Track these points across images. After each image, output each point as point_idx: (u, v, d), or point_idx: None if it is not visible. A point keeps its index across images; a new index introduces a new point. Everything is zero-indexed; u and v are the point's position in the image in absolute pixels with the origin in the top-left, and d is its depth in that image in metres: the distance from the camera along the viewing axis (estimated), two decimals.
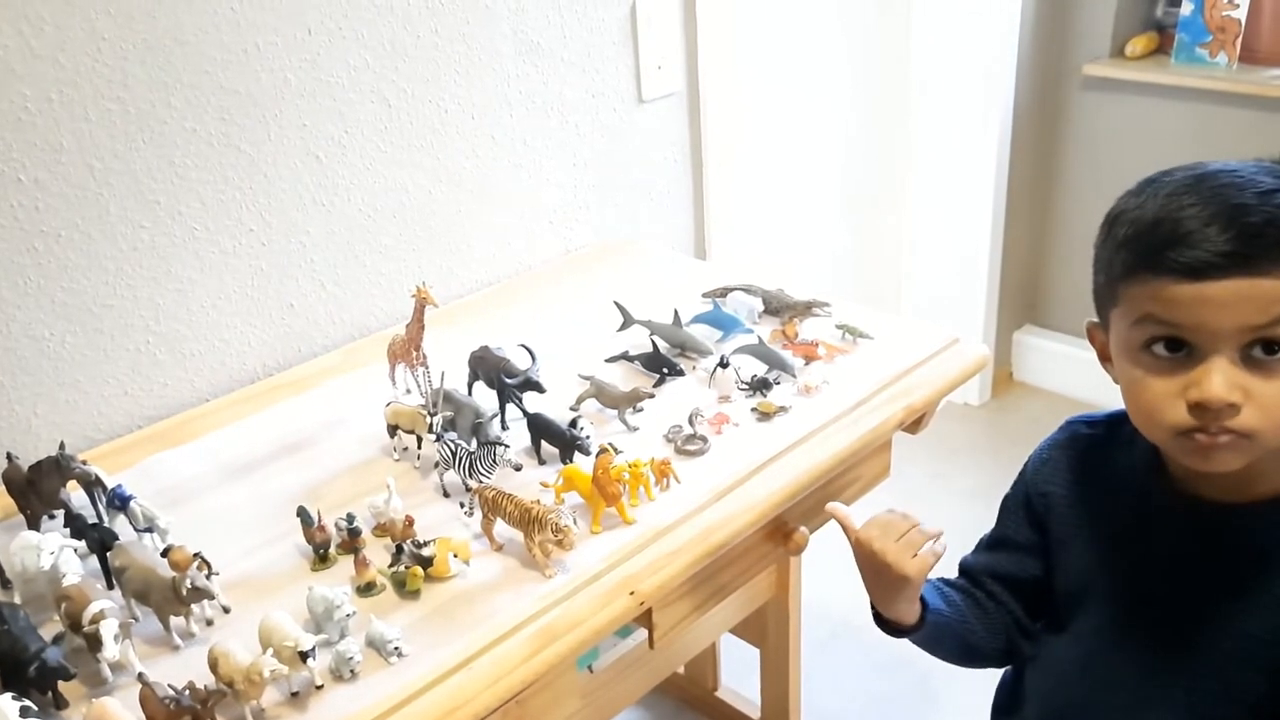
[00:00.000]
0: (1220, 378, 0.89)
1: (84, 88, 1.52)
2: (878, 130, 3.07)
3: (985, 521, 1.34)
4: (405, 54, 1.84)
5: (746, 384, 1.66)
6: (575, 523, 1.31)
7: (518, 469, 1.50)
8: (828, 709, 2.36)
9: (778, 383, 1.66)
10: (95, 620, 1.17)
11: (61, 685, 1.15)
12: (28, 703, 1.07)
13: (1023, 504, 1.25)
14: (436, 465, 1.50)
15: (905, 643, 1.29)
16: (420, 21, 1.85)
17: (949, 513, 2.89)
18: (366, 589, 1.31)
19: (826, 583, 2.35)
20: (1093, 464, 1.17)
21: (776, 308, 1.85)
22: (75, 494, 1.42)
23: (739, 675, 2.37)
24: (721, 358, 1.65)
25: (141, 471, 1.57)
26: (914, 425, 1.73)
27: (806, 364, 1.71)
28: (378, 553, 1.37)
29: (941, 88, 3.06)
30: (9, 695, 1.07)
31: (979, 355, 1.77)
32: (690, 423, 1.56)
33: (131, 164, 1.59)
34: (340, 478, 1.55)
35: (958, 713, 2.32)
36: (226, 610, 1.29)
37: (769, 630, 2.13)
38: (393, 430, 1.57)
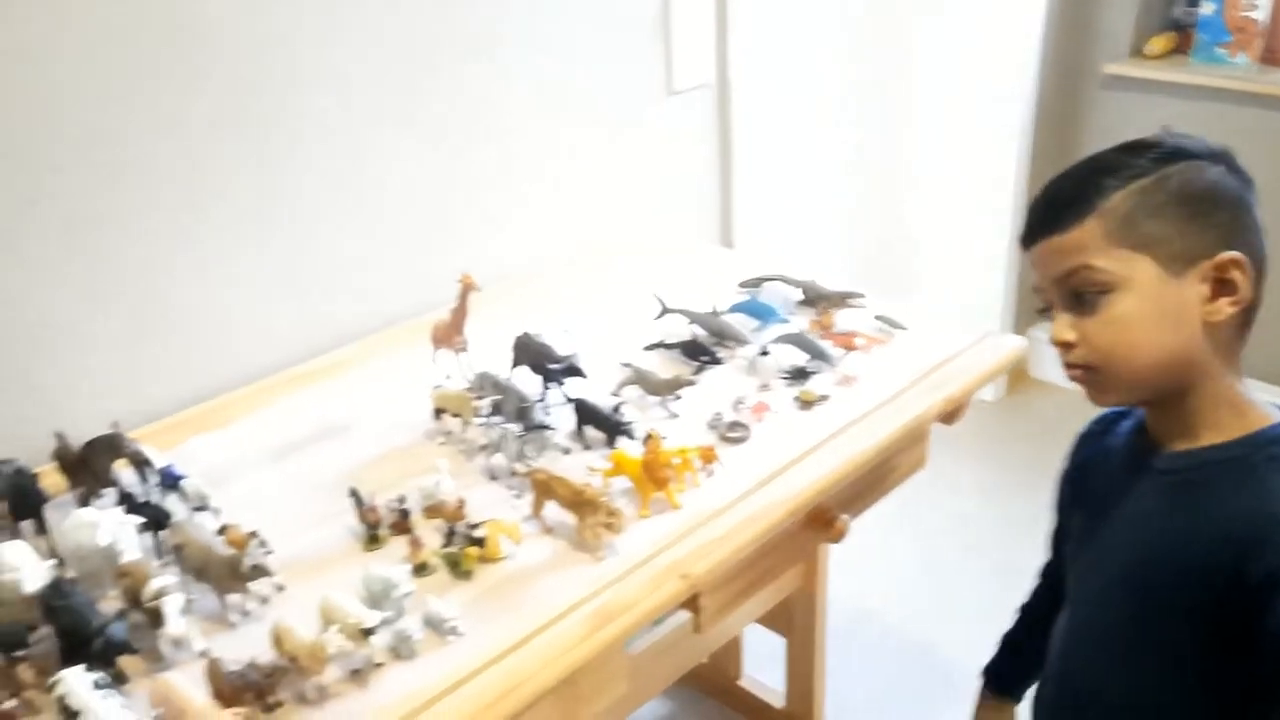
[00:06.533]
0: (1057, 322, 1.05)
1: (115, 75, 1.52)
2: (898, 124, 3.08)
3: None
4: (437, 41, 1.85)
5: (786, 373, 1.67)
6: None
7: (566, 453, 1.51)
8: (850, 699, 2.37)
9: (816, 372, 1.68)
10: (157, 596, 1.17)
11: (121, 661, 1.16)
12: (100, 675, 1.07)
13: (1055, 495, 1.31)
14: (483, 448, 1.51)
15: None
16: (453, 11, 1.85)
17: (960, 507, 2.93)
18: (420, 570, 1.32)
19: (848, 573, 2.37)
20: (1097, 442, 1.22)
21: (812, 298, 1.86)
22: (123, 473, 1.43)
23: (760, 665, 2.38)
24: (763, 346, 1.66)
25: (181, 454, 1.57)
26: (949, 416, 1.74)
27: (844, 354, 1.72)
28: (428, 534, 1.38)
29: (963, 84, 3.07)
30: (81, 667, 1.08)
31: (1014, 347, 1.79)
32: (733, 410, 1.57)
33: (157, 151, 1.59)
34: (381, 461, 1.55)
35: None
36: (281, 589, 1.30)
37: (795, 620, 2.14)
38: (438, 413, 1.58)
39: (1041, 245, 1.05)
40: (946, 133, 3.15)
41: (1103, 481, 1.17)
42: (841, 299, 1.82)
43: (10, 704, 1.10)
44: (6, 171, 1.46)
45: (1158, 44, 3.06)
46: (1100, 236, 1.01)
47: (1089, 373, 1.06)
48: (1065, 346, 1.06)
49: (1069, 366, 1.07)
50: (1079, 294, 1.03)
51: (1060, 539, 1.29)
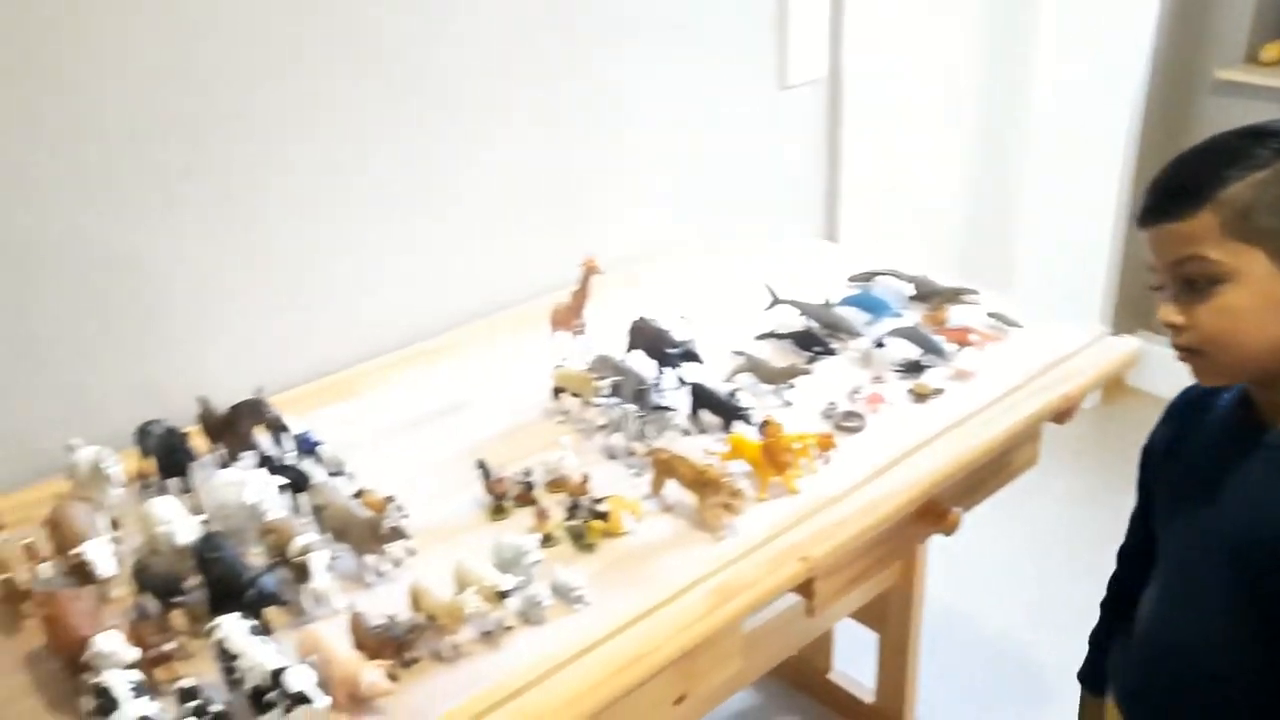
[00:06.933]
0: (1165, 306, 1.07)
1: (276, 56, 1.59)
2: (1003, 125, 3.06)
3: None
4: (567, 31, 1.90)
5: (899, 366, 1.68)
6: None
7: (685, 434, 1.54)
8: (941, 698, 2.37)
9: (930, 366, 1.68)
10: (303, 552, 1.23)
11: (266, 613, 1.22)
12: (255, 622, 1.13)
13: (1140, 468, 1.32)
14: (602, 428, 1.54)
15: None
16: (580, 6, 1.90)
17: (1049, 514, 2.90)
18: (545, 541, 1.36)
19: (941, 572, 2.36)
20: (1193, 414, 1.22)
21: (924, 294, 1.87)
22: (262, 437, 1.49)
23: (849, 659, 2.39)
24: (879, 338, 1.67)
25: (312, 421, 1.64)
26: (1061, 415, 1.74)
27: (958, 349, 1.73)
28: (551, 508, 1.42)
29: (1071, 85, 3.04)
30: (235, 615, 1.13)
31: (1129, 350, 1.78)
32: (849, 400, 1.59)
33: (313, 130, 1.67)
34: (502, 437, 1.60)
35: (1072, 710, 2.32)
36: (412, 553, 1.35)
37: (890, 615, 2.15)
38: (557, 392, 1.62)
39: (1156, 230, 1.06)
40: (1054, 132, 3.11)
41: (1201, 454, 1.17)
42: (955, 295, 1.83)
43: (169, 645, 1.16)
44: (169, 140, 1.53)
45: (1273, 50, 2.99)
46: (1215, 228, 1.01)
47: (1195, 355, 1.07)
48: (1174, 328, 1.07)
49: (1176, 347, 1.09)
50: (1190, 280, 1.04)
51: (1145, 516, 1.29)
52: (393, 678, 1.12)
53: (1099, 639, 1.41)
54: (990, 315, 1.80)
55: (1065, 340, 1.76)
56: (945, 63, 2.78)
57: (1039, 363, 1.71)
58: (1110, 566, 1.37)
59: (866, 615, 2.16)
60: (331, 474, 1.44)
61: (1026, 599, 2.66)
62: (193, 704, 1.04)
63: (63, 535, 1.28)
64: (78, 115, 1.45)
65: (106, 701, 1.04)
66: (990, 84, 2.94)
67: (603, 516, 1.36)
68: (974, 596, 2.66)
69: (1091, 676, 1.42)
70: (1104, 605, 1.41)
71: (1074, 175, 3.12)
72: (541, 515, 1.38)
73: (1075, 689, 1.43)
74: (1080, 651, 1.43)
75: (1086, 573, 2.67)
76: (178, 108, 1.53)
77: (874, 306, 1.82)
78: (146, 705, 1.04)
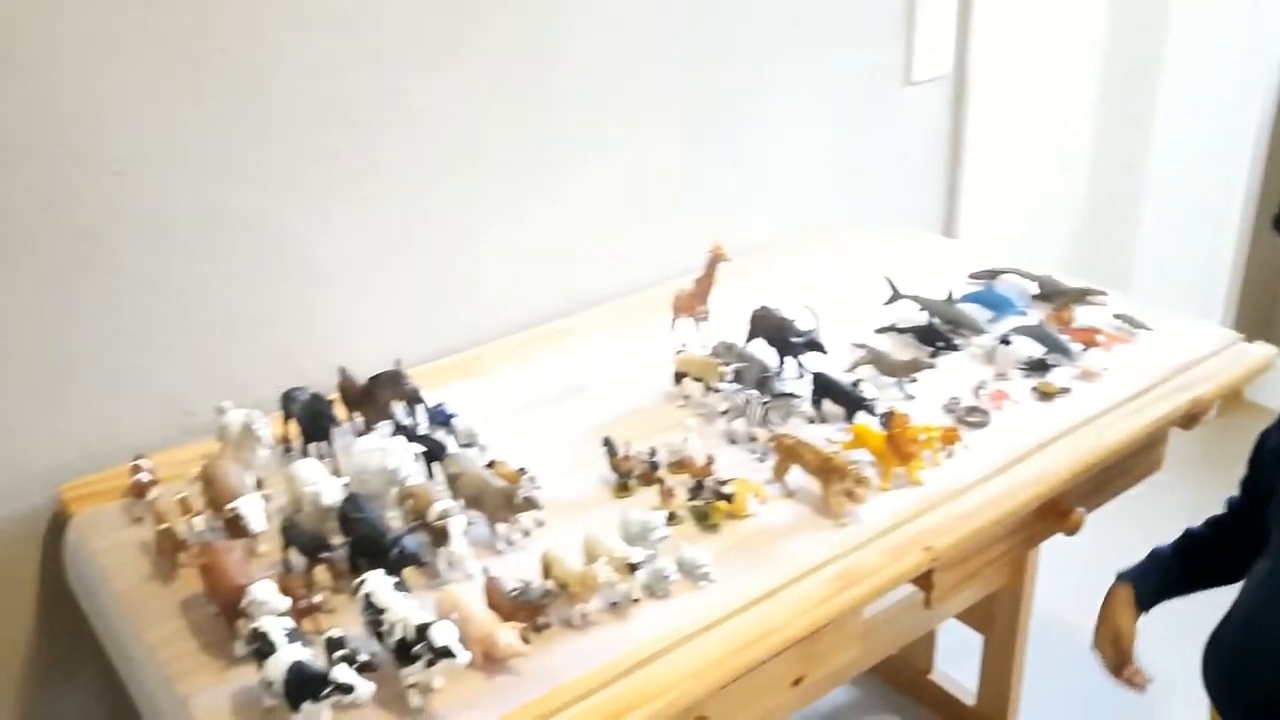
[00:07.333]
0: None
1: (424, 41, 1.65)
2: (1126, 126, 2.99)
3: None
4: (700, 21, 1.92)
5: (1024, 364, 1.67)
6: None
7: (810, 421, 1.55)
8: (1042, 706, 2.33)
9: (1056, 365, 1.67)
10: (442, 517, 1.28)
11: (405, 573, 1.27)
12: (396, 580, 1.18)
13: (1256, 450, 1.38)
14: (724, 413, 1.57)
15: None
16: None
17: (1162, 528, 2.81)
18: (669, 519, 1.38)
19: (1049, 579, 2.32)
20: None
21: (1048, 293, 1.85)
22: (398, 408, 1.55)
23: (950, 660, 2.37)
24: (1004, 335, 1.67)
25: (443, 396, 1.69)
26: (1189, 420, 1.71)
27: (1084, 349, 1.71)
28: (675, 487, 1.45)
29: (1197, 84, 2.95)
30: (380, 571, 1.19)
31: (1263, 356, 1.74)
32: (973, 396, 1.59)
33: (454, 114, 1.72)
34: (624, 418, 1.63)
35: None
36: (540, 524, 1.39)
37: (997, 617, 2.13)
38: (679, 377, 1.65)
39: None
40: (1179, 133, 3.03)
41: None
42: (1081, 295, 1.81)
43: (317, 598, 1.22)
44: (310, 122, 1.60)
45: None
46: None
47: None
48: None
49: None
50: None
51: (1255, 494, 1.27)
52: (525, 640, 1.16)
53: (1161, 557, 1.48)
54: (1116, 316, 1.78)
55: (1196, 344, 1.73)
56: (1069, 62, 2.73)
57: (1168, 365, 1.68)
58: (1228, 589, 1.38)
59: (972, 617, 2.15)
60: (463, 446, 1.49)
61: None
62: (341, 653, 1.09)
63: (216, 491, 1.36)
64: (238, 96, 1.53)
65: (264, 645, 1.10)
66: (1114, 83, 2.88)
67: (727, 498, 1.39)
68: (1081, 605, 2.61)
69: (1131, 574, 1.48)
70: (1185, 537, 1.46)
71: (1198, 177, 3.03)
72: (666, 494, 1.41)
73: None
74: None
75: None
76: (331, 94, 1.59)
77: (998, 304, 1.81)
78: (300, 650, 1.10)
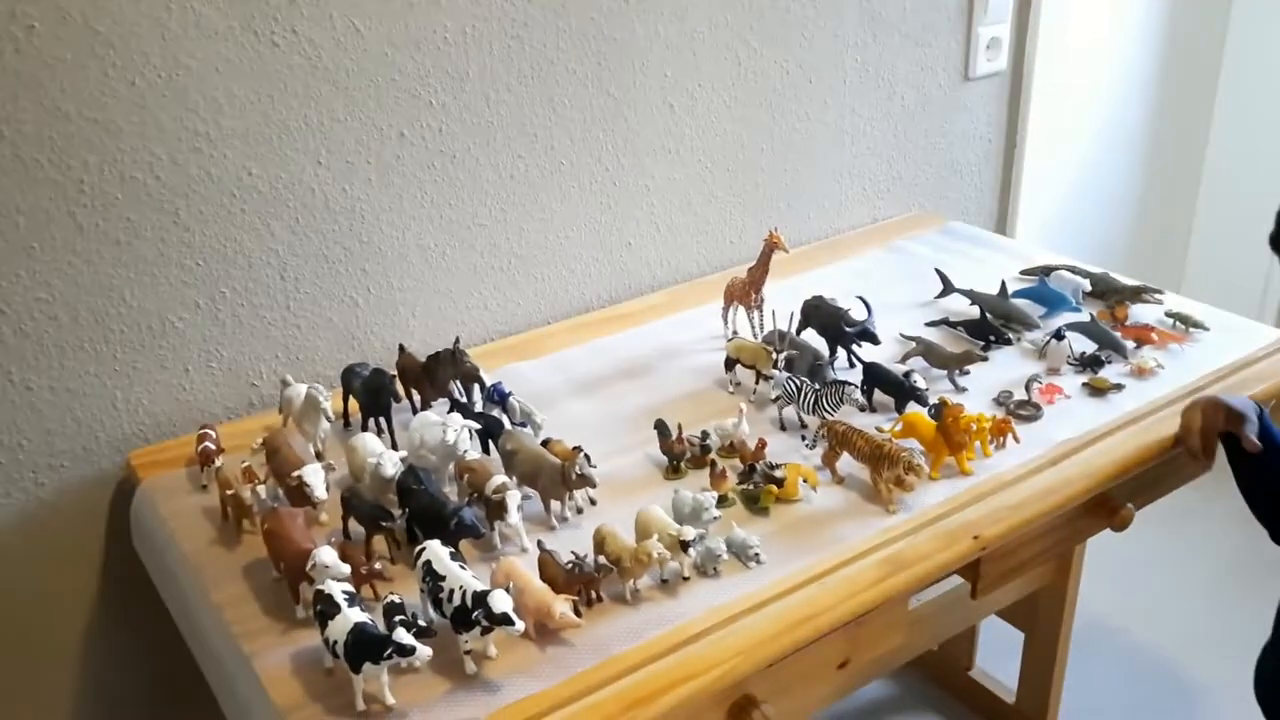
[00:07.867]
0: None
1: (492, 24, 1.68)
2: (1180, 129, 2.96)
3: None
4: (760, 13, 1.94)
5: (1077, 359, 1.67)
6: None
7: (862, 409, 1.57)
8: (1083, 706, 2.33)
9: (1109, 361, 1.67)
10: (500, 491, 1.31)
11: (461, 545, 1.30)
12: (453, 550, 1.21)
13: None
14: (775, 399, 1.59)
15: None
16: None
17: (1209, 533, 2.80)
18: (720, 501, 1.41)
19: (1094, 580, 2.32)
20: None
21: (1102, 290, 1.85)
22: (455, 386, 1.58)
23: (990, 658, 2.37)
24: (1057, 330, 1.67)
25: (498, 377, 1.72)
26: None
27: (1137, 347, 1.70)
28: (726, 470, 1.47)
29: (1254, 83, 2.92)
30: (438, 541, 1.22)
31: None
32: (1026, 389, 1.59)
33: (519, 97, 1.75)
34: (677, 403, 1.66)
35: None
36: (593, 502, 1.42)
37: (1039, 616, 2.13)
38: (731, 364, 1.67)
39: None
40: (1234, 135, 3.00)
41: None
42: (1135, 293, 1.80)
43: (377, 565, 1.26)
44: (387, 104, 1.64)
45: None
46: None
47: None
48: None
49: None
50: None
51: None
52: (578, 613, 1.19)
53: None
54: (1170, 315, 1.77)
55: (1249, 343, 1.72)
56: (1126, 60, 2.71)
57: (1221, 364, 1.67)
58: (1269, 590, 1.37)
59: (1015, 615, 2.15)
60: (519, 424, 1.52)
61: (1179, 616, 2.59)
62: (400, 617, 1.13)
63: (280, 460, 1.40)
64: (316, 81, 1.57)
65: (328, 607, 1.14)
66: (1171, 82, 2.85)
67: (778, 482, 1.41)
68: (1125, 608, 2.60)
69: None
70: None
71: (1253, 180, 3.00)
72: (718, 477, 1.43)
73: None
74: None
75: (1246, 596, 2.60)
76: (400, 78, 1.63)
77: (1050, 300, 1.81)
78: (361, 614, 1.14)
